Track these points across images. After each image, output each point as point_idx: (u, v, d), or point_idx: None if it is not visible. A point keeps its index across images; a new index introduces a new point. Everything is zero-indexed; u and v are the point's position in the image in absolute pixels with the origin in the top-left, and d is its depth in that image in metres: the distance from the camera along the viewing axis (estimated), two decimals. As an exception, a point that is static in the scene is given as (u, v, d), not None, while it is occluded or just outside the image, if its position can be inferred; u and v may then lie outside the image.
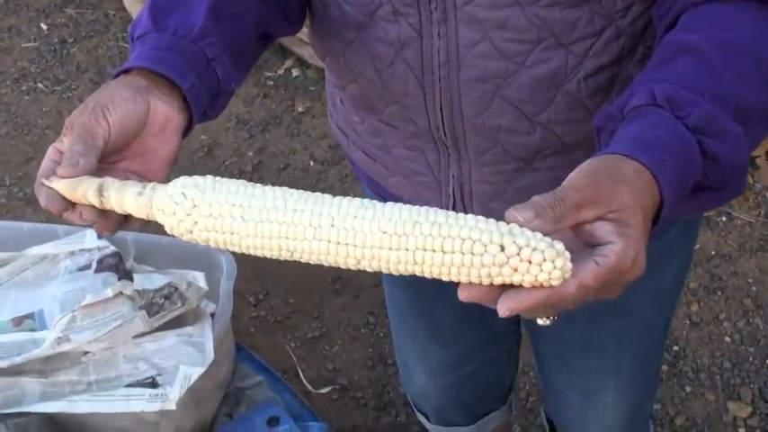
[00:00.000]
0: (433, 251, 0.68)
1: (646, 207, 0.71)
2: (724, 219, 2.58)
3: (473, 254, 0.67)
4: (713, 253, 2.49)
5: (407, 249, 0.69)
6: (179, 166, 2.92)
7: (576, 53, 0.94)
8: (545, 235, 0.67)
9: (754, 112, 0.80)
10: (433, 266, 0.69)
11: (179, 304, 1.57)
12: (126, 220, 0.82)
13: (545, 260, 0.66)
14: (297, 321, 2.46)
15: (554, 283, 0.67)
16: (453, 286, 1.36)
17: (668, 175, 0.73)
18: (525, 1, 0.90)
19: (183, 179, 0.77)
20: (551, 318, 0.73)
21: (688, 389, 2.22)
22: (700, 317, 2.36)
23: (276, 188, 0.75)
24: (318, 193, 0.74)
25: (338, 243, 0.71)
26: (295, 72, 3.28)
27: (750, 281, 2.42)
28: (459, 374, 1.52)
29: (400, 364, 1.62)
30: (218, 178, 0.77)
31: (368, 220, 0.69)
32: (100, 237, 1.86)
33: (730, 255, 2.49)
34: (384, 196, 1.20)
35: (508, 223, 0.68)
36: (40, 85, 3.37)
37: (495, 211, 0.82)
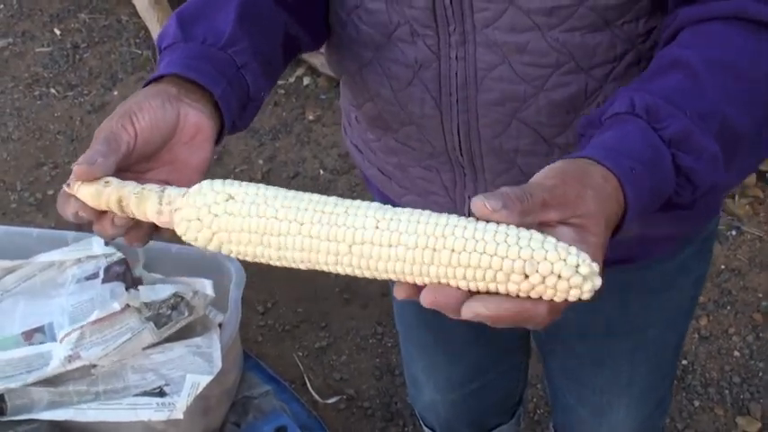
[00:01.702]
0: (467, 267, 0.66)
1: (609, 215, 0.70)
2: (734, 233, 2.57)
3: (497, 282, 0.66)
4: (723, 267, 2.48)
5: (434, 265, 0.67)
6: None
7: (596, 77, 0.93)
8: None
9: (742, 135, 0.79)
10: (462, 277, 0.67)
11: (186, 314, 1.57)
12: (157, 230, 0.81)
13: (570, 288, 0.65)
14: (305, 331, 2.46)
15: (584, 295, 0.65)
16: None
17: (636, 184, 0.72)
18: (546, 25, 0.89)
19: (201, 192, 0.75)
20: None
21: (697, 403, 2.21)
22: (709, 331, 2.35)
23: (299, 196, 0.73)
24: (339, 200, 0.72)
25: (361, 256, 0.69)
26: (306, 80, 3.28)
27: (760, 295, 2.41)
28: (469, 390, 1.51)
29: (408, 379, 1.62)
30: (233, 185, 0.75)
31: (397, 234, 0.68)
32: (107, 243, 1.87)
33: (740, 269, 2.48)
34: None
35: (475, 213, 0.66)
36: (52, 90, 3.39)
37: None
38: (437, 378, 1.52)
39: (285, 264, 0.73)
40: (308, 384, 2.31)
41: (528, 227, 0.66)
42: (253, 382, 1.71)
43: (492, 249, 0.65)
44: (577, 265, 0.64)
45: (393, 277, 0.69)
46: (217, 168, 2.97)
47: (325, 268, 0.71)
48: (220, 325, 1.61)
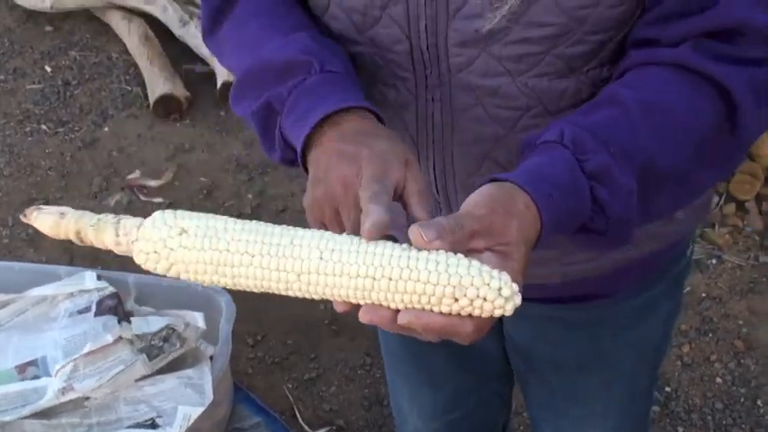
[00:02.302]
0: (403, 293, 0.74)
1: (529, 241, 0.78)
2: (714, 261, 2.62)
3: (431, 304, 0.74)
4: (704, 295, 2.53)
5: (376, 291, 0.74)
6: (178, 207, 2.97)
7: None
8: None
9: (667, 174, 0.86)
10: (399, 302, 0.74)
11: (178, 345, 1.60)
12: None
13: (495, 308, 0.73)
14: (294, 362, 2.48)
15: (507, 312, 0.74)
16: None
17: (552, 209, 0.79)
18: (516, 71, 0.94)
19: (155, 226, 0.79)
20: None
21: (680, 429, 2.24)
22: (691, 358, 2.39)
23: (247, 224, 0.79)
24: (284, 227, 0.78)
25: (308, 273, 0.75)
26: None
27: (740, 322, 2.46)
28: (452, 418, 1.54)
29: (394, 408, 1.65)
30: (184, 217, 0.79)
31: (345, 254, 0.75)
32: (99, 278, 1.90)
33: (721, 297, 2.52)
34: None
35: (412, 241, 0.74)
36: (43, 126, 3.42)
37: None
38: (420, 406, 1.55)
39: (240, 288, 0.79)
40: (298, 416, 2.34)
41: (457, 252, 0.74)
42: (243, 414, 1.74)
43: (425, 278, 0.72)
44: (500, 288, 0.72)
45: (338, 299, 0.76)
46: (207, 203, 3.01)
47: (277, 292, 0.78)
48: (211, 357, 1.65)
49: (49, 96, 3.58)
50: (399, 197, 0.81)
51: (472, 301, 0.72)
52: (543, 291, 1.14)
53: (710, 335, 2.44)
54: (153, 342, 1.56)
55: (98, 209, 3.16)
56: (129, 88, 3.58)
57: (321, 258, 0.75)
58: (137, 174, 3.14)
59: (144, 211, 2.94)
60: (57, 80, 3.67)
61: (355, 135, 0.84)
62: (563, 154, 0.82)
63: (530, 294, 1.15)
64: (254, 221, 0.79)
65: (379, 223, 0.75)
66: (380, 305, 0.75)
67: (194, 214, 0.79)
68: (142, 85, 3.52)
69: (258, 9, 1.02)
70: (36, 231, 2.64)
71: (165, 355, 1.55)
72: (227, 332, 1.67)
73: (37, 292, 1.86)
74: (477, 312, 0.73)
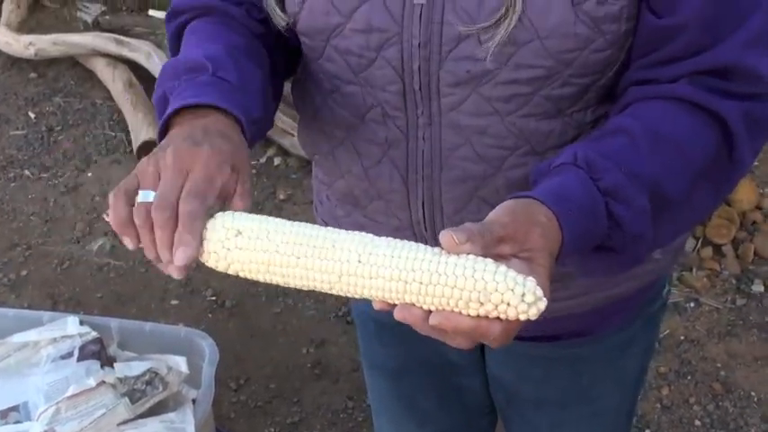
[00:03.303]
0: (432, 296, 0.78)
1: (553, 250, 0.82)
2: (692, 305, 2.65)
3: (459, 307, 0.78)
4: (683, 338, 2.56)
5: (409, 293, 0.79)
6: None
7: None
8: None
9: (671, 199, 0.90)
10: (430, 304, 0.79)
11: (160, 389, 1.61)
12: None
13: (519, 313, 0.76)
14: (277, 406, 2.49)
15: (531, 317, 0.77)
16: (431, 371, 1.41)
17: (572, 223, 0.83)
18: (504, 111, 0.98)
19: (215, 228, 0.84)
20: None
21: (661, 472, 2.26)
22: (670, 400, 2.41)
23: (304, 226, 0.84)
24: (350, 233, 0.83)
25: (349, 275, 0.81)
26: (276, 161, 3.37)
27: (719, 365, 2.49)
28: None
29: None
30: (242, 218, 0.84)
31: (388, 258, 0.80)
32: (82, 323, 1.90)
33: (699, 340, 2.55)
34: None
35: (443, 244, 0.78)
36: (26, 172, 3.44)
37: None
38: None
39: (291, 286, 0.84)
40: (280, 460, 2.33)
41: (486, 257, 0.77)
42: (225, 458, 1.74)
43: (452, 282, 0.77)
44: (523, 294, 0.76)
45: (375, 299, 0.81)
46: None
47: (321, 290, 0.83)
48: (194, 401, 1.65)
49: (33, 142, 3.60)
50: (223, 197, 0.86)
51: (497, 305, 0.76)
52: (527, 328, 1.16)
53: (689, 377, 2.46)
54: (135, 386, 1.57)
55: (81, 254, 3.17)
56: (113, 134, 3.61)
57: (359, 261, 0.80)
58: (120, 219, 3.15)
59: (127, 257, 2.95)
60: (40, 126, 3.70)
61: (202, 131, 0.88)
62: (578, 174, 0.87)
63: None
64: (303, 224, 0.84)
65: (189, 261, 0.82)
66: (414, 305, 0.79)
67: (250, 216, 0.85)
68: (126, 130, 3.54)
69: (202, 28, 1.07)
70: (18, 277, 2.64)
71: (148, 399, 1.55)
72: (209, 376, 1.68)
73: (19, 337, 1.86)
74: (502, 316, 0.77)
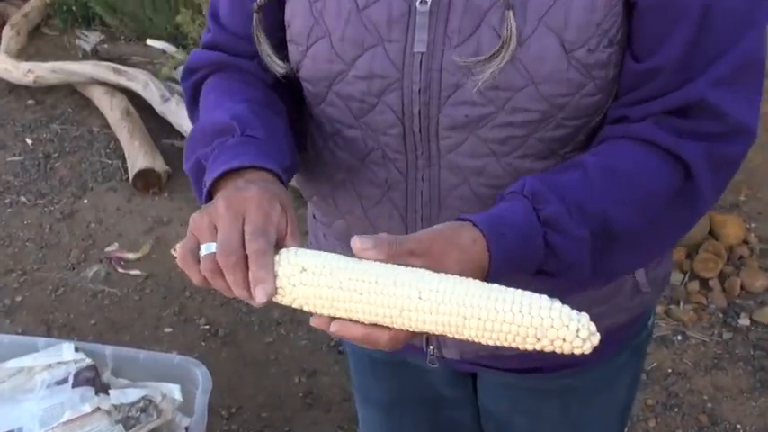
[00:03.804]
0: (491, 332, 0.83)
1: (467, 272, 0.86)
2: (679, 338, 2.69)
3: (516, 342, 0.83)
4: (669, 371, 2.59)
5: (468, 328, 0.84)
6: (156, 280, 2.97)
7: None
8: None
9: (619, 235, 0.96)
10: (488, 339, 0.83)
11: (155, 416, 1.64)
12: None
13: (574, 348, 0.81)
14: (268, 435, 2.50)
15: (585, 351, 0.81)
16: (423, 405, 1.44)
17: (503, 245, 0.89)
18: (501, 152, 1.03)
19: (281, 264, 0.88)
20: None
21: (648, 504, 2.27)
22: (658, 433, 2.44)
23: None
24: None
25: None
26: (271, 190, 3.40)
27: (705, 397, 2.51)
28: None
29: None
30: (306, 255, 0.89)
31: (448, 295, 0.84)
32: (77, 350, 1.93)
33: (686, 372, 2.59)
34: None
35: (353, 249, 0.84)
36: (23, 198, 3.47)
37: None
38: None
39: (354, 318, 0.87)
40: (271, 489, 2.34)
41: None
42: (217, 486, 1.76)
43: (510, 318, 0.81)
44: (578, 330, 0.80)
45: (434, 332, 0.85)
46: (185, 277, 3.04)
47: (383, 323, 0.87)
48: (186, 429, 1.68)
49: (30, 169, 3.63)
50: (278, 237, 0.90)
51: (552, 341, 0.81)
52: (520, 361, 1.20)
53: (676, 410, 2.49)
54: (130, 413, 1.59)
55: (76, 280, 3.19)
56: (110, 162, 3.65)
57: (420, 298, 0.84)
58: (115, 246, 3.18)
59: (121, 284, 2.98)
60: (37, 153, 3.73)
61: (245, 181, 0.93)
62: (522, 202, 0.93)
63: (507, 365, 1.21)
64: (364, 260, 0.87)
65: (269, 297, 0.86)
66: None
67: (312, 252, 0.89)
68: (122, 158, 3.58)
69: (219, 85, 1.11)
70: (12, 302, 2.66)
71: (142, 426, 1.58)
72: (202, 404, 1.71)
73: (14, 363, 1.89)
74: (558, 351, 0.81)
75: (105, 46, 4.23)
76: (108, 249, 3.16)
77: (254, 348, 2.73)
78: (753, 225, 3.09)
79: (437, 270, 0.85)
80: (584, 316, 0.81)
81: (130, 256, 3.12)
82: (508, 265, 0.90)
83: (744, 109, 0.98)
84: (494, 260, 0.88)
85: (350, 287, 0.85)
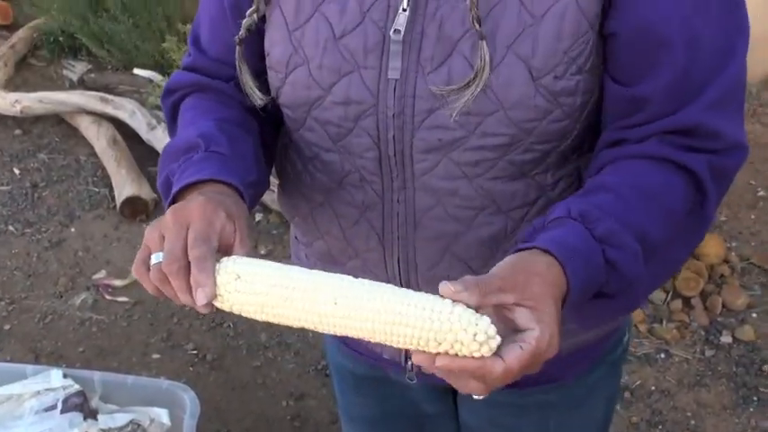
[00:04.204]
0: (398, 336, 0.86)
1: (555, 295, 0.88)
2: (663, 356, 2.72)
3: (422, 346, 0.85)
4: (653, 388, 2.62)
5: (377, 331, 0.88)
6: (143, 307, 2.98)
7: (515, 219, 1.10)
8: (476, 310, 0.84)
9: (656, 245, 0.98)
10: (398, 343, 0.87)
11: (143, 441, 1.65)
12: None
13: (471, 351, 0.83)
14: (256, 459, 2.51)
15: (484, 354, 0.83)
16: (407, 422, 1.46)
17: (574, 268, 0.90)
18: (473, 174, 1.06)
19: (220, 272, 0.92)
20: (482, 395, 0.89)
21: None
22: (643, 450, 2.46)
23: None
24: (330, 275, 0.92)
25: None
26: (258, 216, 3.43)
27: (689, 414, 2.54)
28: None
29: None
30: (242, 263, 0.93)
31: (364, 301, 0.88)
32: (65, 376, 1.94)
33: (669, 390, 2.61)
34: (341, 339, 1.34)
35: (443, 294, 0.85)
36: (10, 227, 3.48)
37: None
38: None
39: (285, 324, 0.92)
40: None
41: (488, 308, 0.85)
42: None
43: (412, 323, 0.85)
44: (475, 334, 0.82)
45: (354, 336, 0.89)
46: (171, 303, 3.05)
47: (310, 328, 0.91)
48: (175, 452, 1.69)
49: (17, 198, 3.65)
50: (225, 245, 0.95)
51: (452, 344, 0.83)
52: None
53: (660, 427, 2.51)
54: (119, 437, 1.61)
55: (63, 308, 3.20)
56: (97, 190, 3.67)
57: (336, 304, 0.88)
58: (102, 273, 3.20)
59: (109, 311, 3.00)
60: (25, 182, 3.75)
61: (197, 193, 0.98)
62: (574, 225, 0.94)
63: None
64: (296, 267, 0.92)
65: (209, 299, 0.91)
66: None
67: (251, 261, 0.93)
68: (109, 186, 3.60)
69: (195, 105, 1.17)
70: (1, 331, 2.68)
71: (131, 450, 1.59)
72: (191, 428, 1.72)
73: (3, 390, 1.90)
74: (460, 353, 0.83)
75: (92, 75, 4.25)
76: (95, 277, 3.18)
77: (242, 372, 2.75)
78: (733, 244, 3.14)
79: (530, 302, 0.85)
80: (484, 320, 0.83)
81: (118, 283, 3.14)
82: (582, 287, 0.91)
83: (735, 128, 1.03)
84: (571, 282, 0.89)
85: (276, 293, 0.90)
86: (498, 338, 0.83)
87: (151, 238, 0.95)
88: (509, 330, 0.86)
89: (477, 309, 0.84)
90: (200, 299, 0.91)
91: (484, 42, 0.97)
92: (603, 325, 1.24)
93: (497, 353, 0.84)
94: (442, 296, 0.86)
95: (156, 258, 0.94)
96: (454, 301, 0.85)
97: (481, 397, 0.88)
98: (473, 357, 0.83)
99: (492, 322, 0.83)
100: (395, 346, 0.87)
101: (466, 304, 0.84)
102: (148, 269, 0.94)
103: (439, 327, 0.83)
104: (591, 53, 1.01)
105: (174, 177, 1.03)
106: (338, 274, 0.91)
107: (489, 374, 0.84)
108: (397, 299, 0.87)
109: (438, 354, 0.85)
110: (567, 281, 0.89)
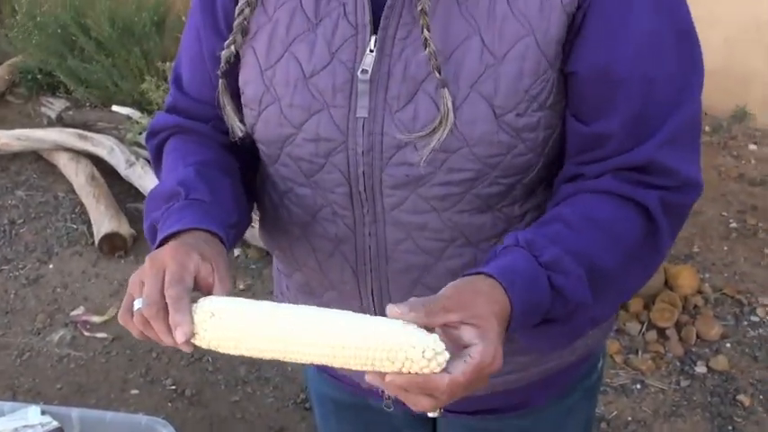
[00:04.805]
0: (355, 359, 0.90)
1: (498, 314, 0.92)
2: (639, 387, 2.75)
3: (375, 366, 0.89)
4: (630, 419, 2.64)
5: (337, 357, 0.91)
6: (122, 343, 2.98)
7: (484, 250, 1.13)
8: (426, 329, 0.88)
9: (607, 274, 1.03)
10: (358, 365, 0.90)
11: (122, 477, 1.65)
12: None
13: (421, 367, 0.87)
14: (235, 494, 2.51)
15: (434, 369, 0.87)
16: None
17: (517, 290, 0.95)
18: (441, 208, 1.10)
19: (197, 311, 0.96)
20: (438, 410, 0.92)
21: None
22: (620, 481, 2.48)
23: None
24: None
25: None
26: (237, 252, 3.45)
27: (665, 444, 2.57)
28: None
29: None
30: (218, 302, 0.96)
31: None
32: (43, 413, 1.93)
33: (645, 420, 2.64)
34: (323, 367, 1.36)
35: (390, 316, 0.89)
36: (-13, 264, 3.48)
37: None
38: None
39: (261, 357, 0.95)
40: None
41: (435, 327, 0.89)
42: None
43: (366, 344, 0.89)
44: (423, 351, 0.86)
45: (321, 363, 0.93)
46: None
47: (281, 359, 0.94)
48: (154, 487, 1.69)
49: (-5, 235, 3.65)
50: (204, 286, 1.00)
51: (404, 362, 0.87)
52: (469, 403, 1.25)
53: (637, 457, 2.54)
54: (97, 473, 1.60)
55: (41, 345, 3.19)
56: (75, 226, 3.67)
57: (300, 333, 0.92)
58: (80, 310, 3.20)
59: (87, 348, 2.99)
60: (2, 219, 3.75)
61: (176, 241, 1.02)
62: (521, 252, 0.99)
63: (456, 407, 1.27)
64: (267, 302, 0.96)
65: (187, 337, 0.94)
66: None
67: (226, 299, 0.97)
68: (87, 223, 3.61)
69: (177, 147, 1.21)
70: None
71: (109, 486, 1.59)
72: (169, 463, 1.72)
73: (-20, 428, 1.89)
74: (412, 371, 0.87)
75: (70, 112, 4.27)
76: (74, 313, 3.18)
77: (221, 407, 2.75)
78: (706, 275, 3.19)
79: (475, 320, 0.90)
80: (432, 337, 0.87)
81: (96, 319, 3.14)
82: (525, 310, 0.95)
83: (689, 165, 1.07)
84: (515, 304, 0.94)
85: (246, 329, 0.94)
86: (447, 354, 0.87)
87: (133, 285, 1.00)
88: (457, 348, 0.90)
89: (426, 329, 0.89)
90: (180, 337, 0.94)
91: (446, 90, 1.01)
92: (564, 350, 1.26)
93: (444, 369, 0.88)
94: (391, 319, 0.90)
95: (137, 304, 0.98)
96: (405, 322, 0.89)
97: (435, 414, 0.92)
98: (431, 374, 0.87)
99: (441, 339, 0.87)
100: (354, 369, 0.90)
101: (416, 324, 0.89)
102: (131, 315, 0.99)
103: (390, 346, 0.87)
104: (552, 91, 1.05)
105: (159, 225, 1.08)
106: (306, 306, 0.95)
107: (436, 389, 0.88)
108: (354, 324, 0.90)
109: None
110: (510, 301, 0.94)
